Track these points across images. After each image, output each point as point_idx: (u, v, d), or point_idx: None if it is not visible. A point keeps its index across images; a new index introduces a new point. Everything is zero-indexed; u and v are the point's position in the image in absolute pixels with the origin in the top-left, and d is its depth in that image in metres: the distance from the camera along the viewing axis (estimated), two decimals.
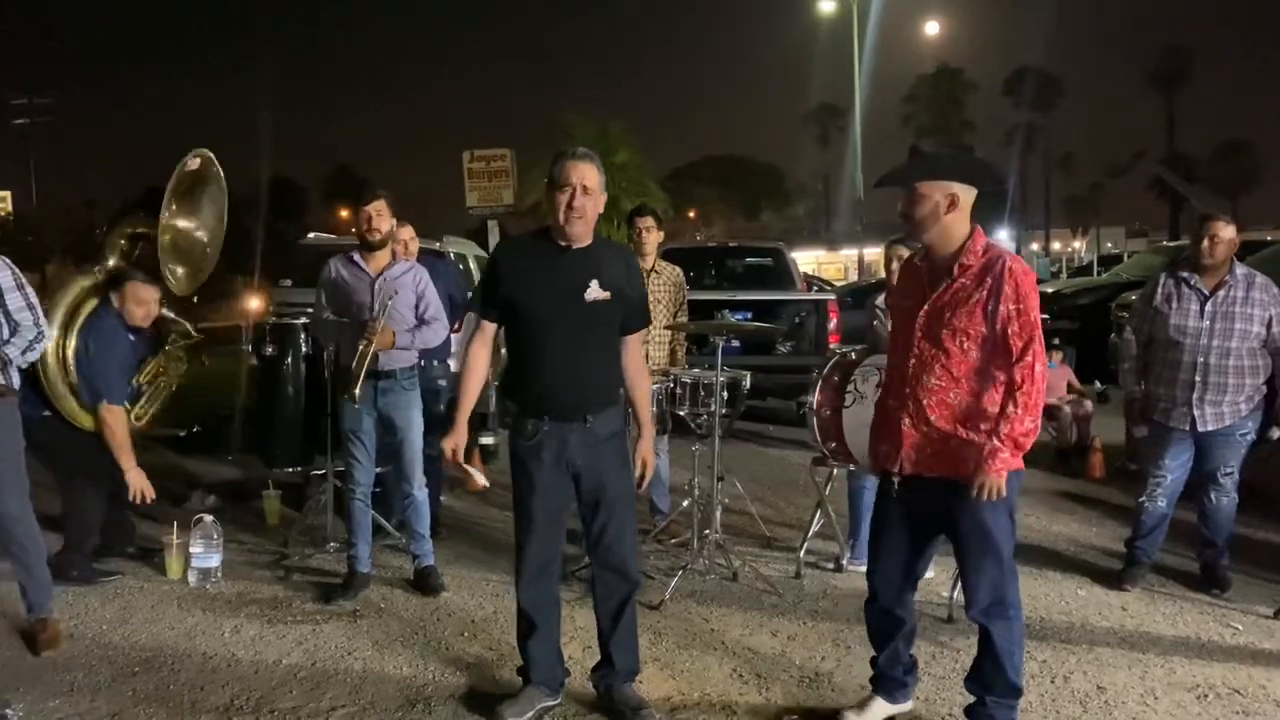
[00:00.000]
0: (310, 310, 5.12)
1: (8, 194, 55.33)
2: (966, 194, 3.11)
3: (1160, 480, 4.80)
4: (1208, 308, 4.61)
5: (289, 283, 8.75)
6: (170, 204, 5.11)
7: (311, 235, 10.31)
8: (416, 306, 4.69)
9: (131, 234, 5.16)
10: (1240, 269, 4.66)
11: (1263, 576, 4.93)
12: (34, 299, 4.01)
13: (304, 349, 5.37)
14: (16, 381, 3.94)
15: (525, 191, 41.62)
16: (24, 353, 3.94)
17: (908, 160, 3.22)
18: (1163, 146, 63.78)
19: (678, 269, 5.79)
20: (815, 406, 4.85)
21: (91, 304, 4.85)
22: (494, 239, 24.04)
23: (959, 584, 4.41)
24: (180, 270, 5.22)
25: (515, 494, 3.41)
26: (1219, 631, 4.32)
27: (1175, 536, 5.08)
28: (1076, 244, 61.07)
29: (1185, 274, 4.73)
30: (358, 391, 4.42)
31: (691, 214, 52.60)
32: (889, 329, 4.62)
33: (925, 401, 3.13)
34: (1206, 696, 3.66)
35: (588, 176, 3.23)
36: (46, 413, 4.66)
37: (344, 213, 68.17)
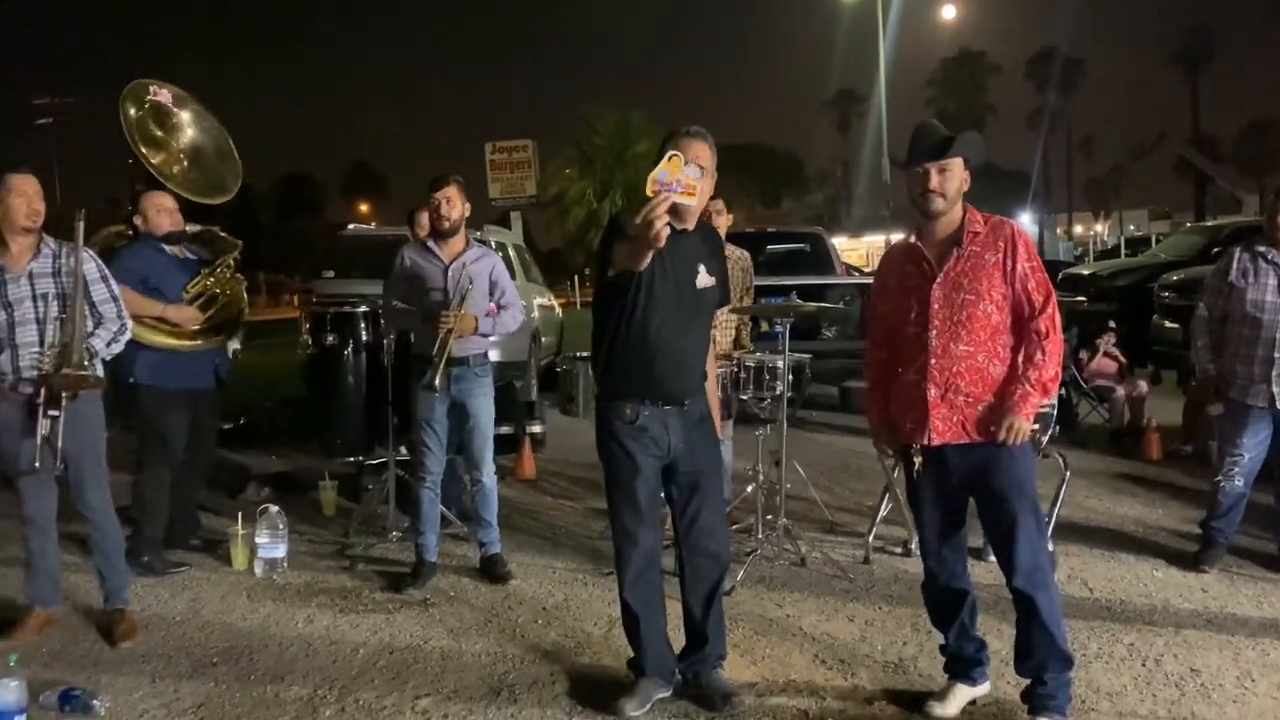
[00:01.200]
0: (372, 299, 5.08)
1: None
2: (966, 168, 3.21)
3: (1238, 459, 4.71)
4: None
5: (330, 274, 8.73)
6: (140, 146, 5.06)
7: (351, 227, 10.30)
8: (490, 293, 4.64)
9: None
10: None
11: None
12: (118, 291, 4.00)
13: (364, 338, 5.33)
14: (101, 371, 3.92)
15: (548, 182, 41.64)
16: (109, 345, 3.93)
17: (940, 136, 3.18)
18: (1187, 127, 63.10)
19: (746, 253, 5.71)
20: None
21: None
22: (516, 230, 23.99)
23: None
24: (202, 178, 5.22)
25: (614, 480, 3.32)
26: None
27: (1250, 518, 4.99)
28: (1098, 227, 60.65)
29: (1262, 248, 4.63)
30: (437, 380, 4.37)
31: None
32: None
33: (956, 369, 3.14)
34: None
35: (703, 155, 3.16)
36: (131, 380, 4.65)
37: (363, 207, 68.47)
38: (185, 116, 5.49)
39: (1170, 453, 7.32)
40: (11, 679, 3.04)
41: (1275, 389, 4.50)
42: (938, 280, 3.16)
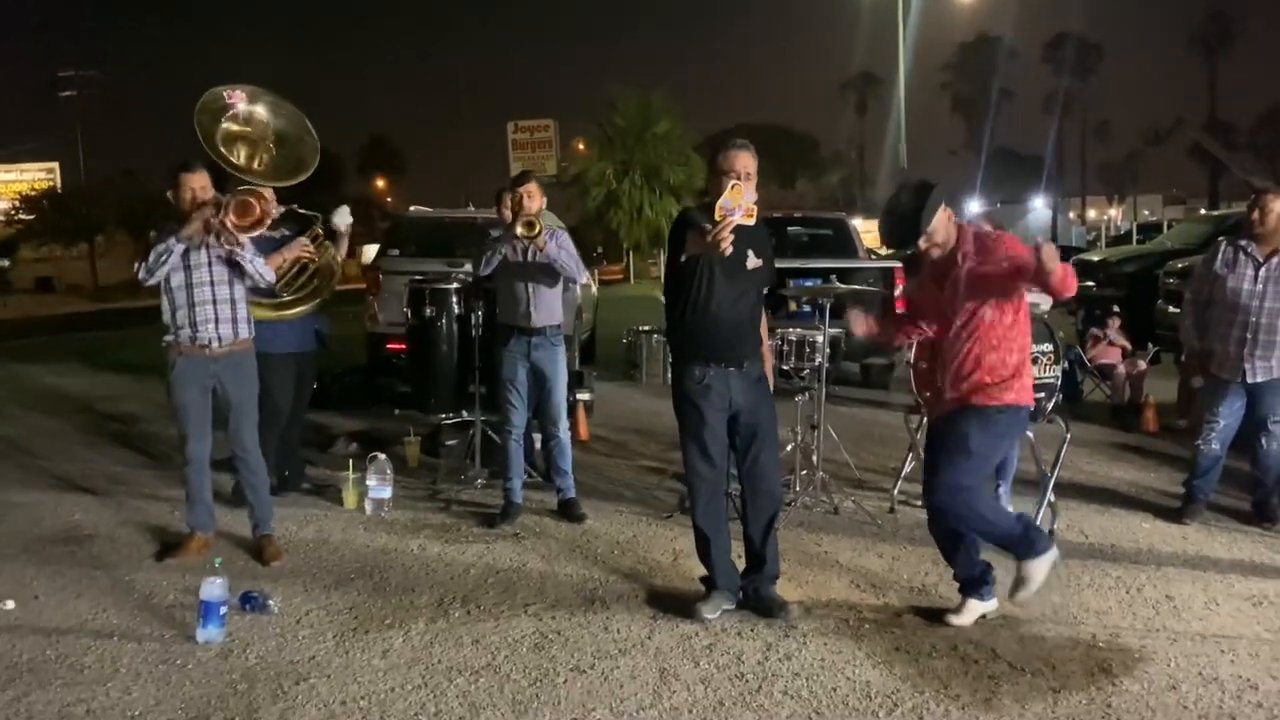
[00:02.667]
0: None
1: (56, 165, 56.53)
2: (951, 208, 3.98)
3: (1214, 425, 5.43)
4: (1261, 273, 5.21)
5: (396, 253, 9.44)
6: (222, 150, 5.29)
7: (413, 209, 11.01)
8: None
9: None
10: None
11: None
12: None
13: (456, 311, 6.07)
14: (252, 332, 4.69)
15: (569, 161, 42.16)
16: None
17: (911, 209, 3.91)
18: (1204, 113, 63.19)
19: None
20: (913, 361, 5.50)
21: None
22: None
23: (1040, 512, 5.13)
24: (285, 164, 5.49)
25: (686, 429, 4.06)
26: (1270, 555, 4.96)
27: (1229, 480, 5.72)
28: (1112, 211, 60.90)
29: (1243, 242, 5.34)
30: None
31: None
32: None
33: (965, 365, 3.90)
34: (1261, 604, 4.31)
35: (749, 164, 3.88)
36: None
37: (380, 183, 68.75)
38: (261, 110, 5.65)
39: (1166, 426, 8.01)
40: (218, 577, 3.80)
41: (1247, 365, 5.22)
42: (944, 292, 3.94)
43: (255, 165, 5.55)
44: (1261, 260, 5.25)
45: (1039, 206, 58.52)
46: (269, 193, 4.93)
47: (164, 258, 4.45)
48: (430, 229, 9.96)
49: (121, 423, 8.38)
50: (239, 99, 5.59)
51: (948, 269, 3.96)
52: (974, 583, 4.11)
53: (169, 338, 4.64)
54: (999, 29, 58.38)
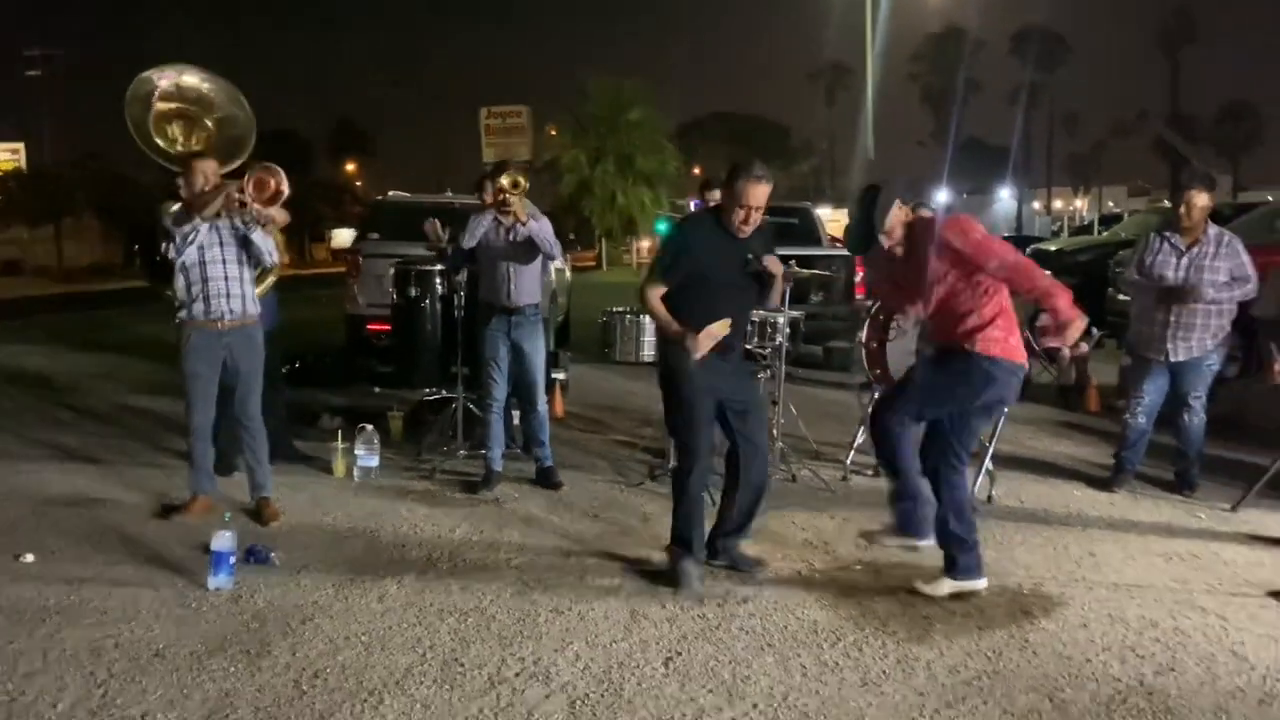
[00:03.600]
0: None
1: (20, 145, 55.91)
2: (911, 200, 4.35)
3: (1140, 400, 5.92)
4: (1183, 260, 5.69)
5: (377, 236, 9.77)
6: (158, 139, 5.43)
7: (391, 193, 11.32)
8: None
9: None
10: (1213, 229, 5.74)
11: (1228, 484, 6.00)
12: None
13: (440, 291, 6.43)
14: (260, 310, 5.05)
15: (541, 147, 42.36)
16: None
17: (863, 217, 4.20)
18: (1167, 107, 64.21)
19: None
20: (864, 340, 5.93)
21: None
22: None
23: (979, 481, 5.58)
24: (222, 137, 5.59)
25: (682, 405, 4.32)
26: (1186, 519, 5.44)
27: (1158, 454, 6.20)
28: (1078, 202, 61.88)
29: (1169, 234, 5.81)
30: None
31: (697, 170, 53.37)
32: None
33: (941, 319, 4.22)
34: (1171, 559, 4.78)
35: (762, 198, 4.18)
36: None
37: (350, 166, 68.39)
38: (191, 80, 5.66)
39: (1107, 406, 8.51)
40: (227, 530, 4.17)
41: (1169, 345, 5.70)
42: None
43: (194, 143, 5.65)
44: (1184, 249, 5.72)
45: (1005, 197, 59.41)
46: (280, 171, 5.05)
47: (191, 237, 4.80)
48: (408, 213, 10.27)
49: (109, 400, 8.67)
50: (168, 77, 5.67)
51: (917, 254, 4.19)
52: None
53: (182, 314, 4.99)
54: (967, 21, 59.02)
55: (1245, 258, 5.68)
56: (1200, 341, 5.69)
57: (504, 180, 5.50)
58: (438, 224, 6.37)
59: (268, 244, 4.97)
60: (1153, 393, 5.90)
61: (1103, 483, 6.07)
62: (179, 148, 5.60)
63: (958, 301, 4.15)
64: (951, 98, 57.67)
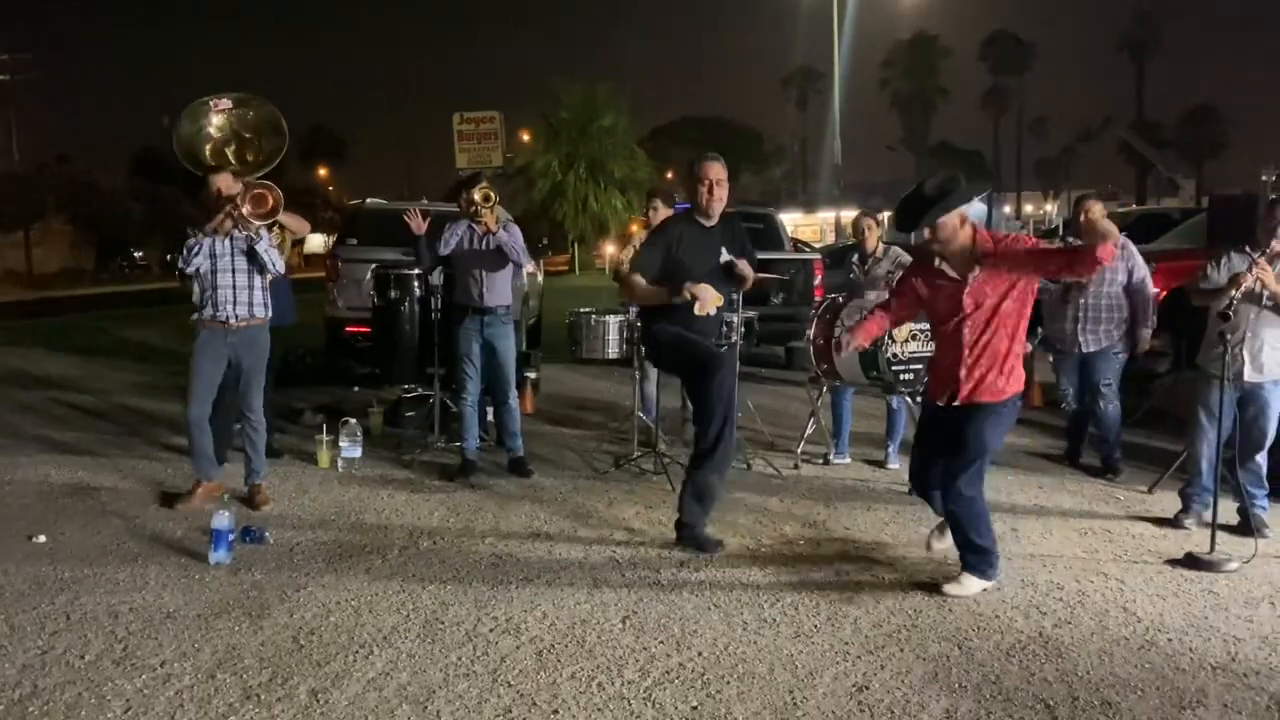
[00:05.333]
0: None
1: None
2: (968, 209, 4.27)
3: (1068, 392, 6.53)
4: None
5: (355, 241, 10.16)
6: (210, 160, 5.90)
7: (369, 200, 11.70)
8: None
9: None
10: None
11: (1150, 469, 6.53)
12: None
13: (418, 293, 6.86)
14: (269, 313, 5.47)
15: (514, 153, 42.68)
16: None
17: (924, 200, 4.24)
18: (1132, 112, 65.36)
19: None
20: (812, 338, 6.41)
21: None
22: None
23: None
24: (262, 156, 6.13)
25: (693, 363, 4.85)
26: (1105, 501, 5.96)
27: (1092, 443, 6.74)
28: (1048, 206, 62.76)
29: (1071, 238, 6.40)
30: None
31: (669, 175, 53.84)
32: (862, 281, 6.31)
33: (980, 356, 4.21)
34: (1086, 534, 5.29)
35: (719, 172, 4.69)
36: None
37: (322, 171, 68.32)
38: (235, 110, 6.22)
39: (1050, 401, 9.03)
40: (225, 510, 4.59)
41: (1081, 338, 6.34)
42: (967, 290, 4.18)
43: (244, 161, 6.20)
44: None
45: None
46: (275, 187, 5.40)
47: (195, 250, 5.23)
48: (386, 219, 10.69)
49: (99, 400, 9.03)
50: (224, 104, 6.32)
51: (962, 268, 4.22)
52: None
53: (195, 315, 5.42)
54: (936, 28, 59.96)
55: (1139, 258, 6.44)
56: (1107, 333, 6.38)
57: (476, 195, 5.96)
58: (418, 213, 6.69)
59: (271, 255, 5.37)
60: (1074, 383, 6.51)
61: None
62: (225, 162, 6.05)
63: (1005, 328, 4.19)
64: (920, 103, 58.55)
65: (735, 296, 5.23)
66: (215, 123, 5.97)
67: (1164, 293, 10.20)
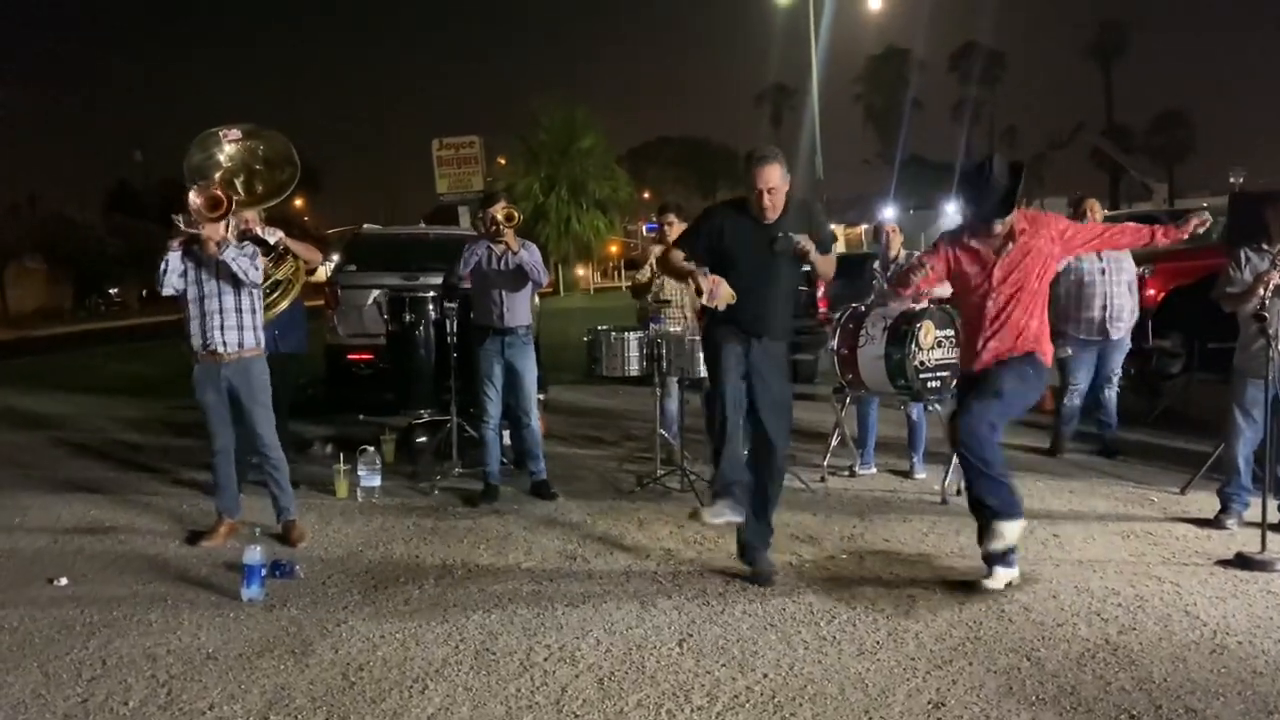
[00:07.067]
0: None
1: None
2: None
3: (1077, 386, 7.10)
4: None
5: (354, 268, 10.02)
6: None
7: (366, 226, 11.58)
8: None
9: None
10: None
11: (1174, 470, 6.48)
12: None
13: (433, 317, 6.74)
14: (261, 342, 5.30)
15: (494, 176, 42.61)
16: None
17: (1005, 193, 4.35)
18: (1102, 118, 65.96)
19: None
20: (836, 347, 6.33)
21: None
22: (465, 223, 25.12)
23: (948, 476, 5.97)
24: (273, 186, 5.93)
25: (709, 360, 4.67)
26: (1140, 503, 5.88)
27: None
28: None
29: None
30: None
31: (647, 195, 53.95)
32: (884, 288, 6.25)
33: (1007, 328, 4.41)
34: (1129, 537, 5.21)
35: (774, 178, 4.41)
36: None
37: (299, 202, 68.05)
38: (246, 142, 6.02)
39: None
40: (257, 545, 4.45)
41: (1109, 327, 6.76)
42: (996, 267, 4.40)
43: (253, 191, 5.98)
44: None
45: (950, 212, 60.60)
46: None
47: (163, 264, 5.06)
48: (384, 245, 10.58)
49: (99, 436, 8.84)
50: (234, 134, 6.16)
51: (1000, 243, 4.40)
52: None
53: (185, 346, 5.25)
54: (906, 42, 60.43)
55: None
56: (1127, 323, 6.91)
57: (499, 214, 5.85)
58: None
59: (240, 264, 5.09)
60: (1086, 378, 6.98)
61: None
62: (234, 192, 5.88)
63: (1035, 304, 4.43)
64: (893, 117, 58.90)
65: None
66: (227, 151, 5.83)
67: (1162, 293, 10.27)
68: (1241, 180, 36.43)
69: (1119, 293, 6.84)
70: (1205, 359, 8.57)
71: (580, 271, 48.96)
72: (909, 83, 60.36)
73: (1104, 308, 6.83)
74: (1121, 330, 6.91)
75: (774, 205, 4.45)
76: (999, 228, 4.38)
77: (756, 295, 4.53)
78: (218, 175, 5.78)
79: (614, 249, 48.89)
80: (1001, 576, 4.50)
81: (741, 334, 4.54)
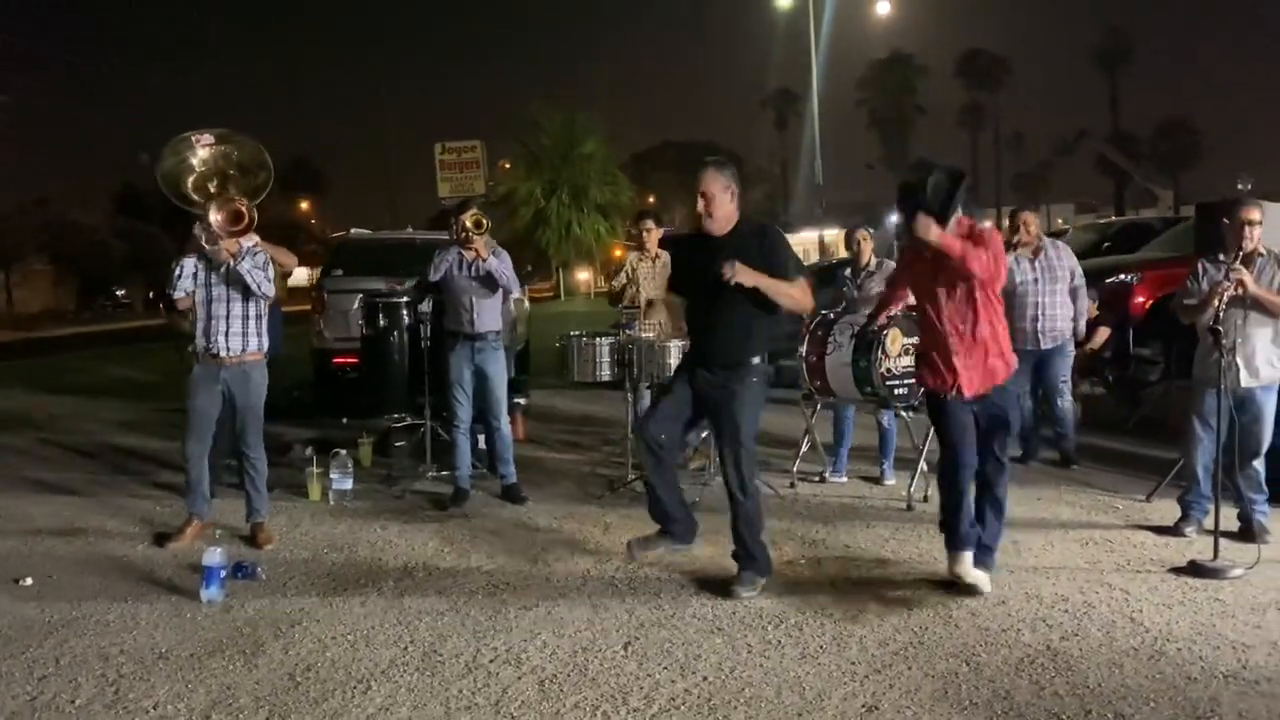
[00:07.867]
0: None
1: None
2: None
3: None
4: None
5: (340, 272, 10.09)
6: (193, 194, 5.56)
7: (353, 230, 11.65)
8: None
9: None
10: (1047, 240, 7.04)
11: (1146, 478, 6.50)
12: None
13: (407, 322, 6.81)
14: (264, 348, 5.38)
15: (496, 181, 42.79)
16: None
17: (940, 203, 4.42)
18: (1107, 124, 65.91)
19: (667, 255, 7.10)
20: (804, 354, 6.37)
21: None
22: None
23: (914, 483, 6.02)
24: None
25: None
26: (1105, 511, 5.91)
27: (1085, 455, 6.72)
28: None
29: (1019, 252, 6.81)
30: None
31: (651, 199, 54.02)
32: (855, 295, 6.31)
33: (971, 345, 4.43)
34: (1087, 544, 5.24)
35: (709, 183, 4.40)
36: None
37: (303, 204, 68.27)
38: (219, 147, 5.85)
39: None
40: (218, 546, 4.51)
41: (1039, 337, 6.81)
42: (941, 283, 4.47)
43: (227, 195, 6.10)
44: (1031, 258, 6.89)
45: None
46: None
47: (177, 271, 5.18)
48: (371, 250, 10.65)
49: (84, 439, 8.92)
50: (207, 139, 6.21)
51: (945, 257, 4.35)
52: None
53: (192, 347, 5.35)
54: (911, 47, 60.49)
55: (1076, 261, 7.06)
56: (1063, 331, 6.89)
57: (468, 220, 5.91)
58: None
59: (255, 276, 5.22)
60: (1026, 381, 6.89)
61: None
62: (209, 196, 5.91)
63: (996, 320, 4.47)
64: (897, 122, 58.96)
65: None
66: (200, 156, 5.87)
67: (1150, 300, 10.28)
68: (1249, 186, 36.38)
69: (1052, 302, 6.76)
70: (1184, 366, 8.58)
71: (582, 276, 49.07)
72: (912, 88, 60.38)
73: (1035, 319, 6.74)
74: (1057, 339, 6.80)
75: (712, 215, 4.45)
76: (932, 235, 4.32)
77: (700, 322, 4.64)
78: (191, 179, 5.83)
79: (617, 253, 49.07)
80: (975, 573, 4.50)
81: (688, 361, 4.66)
